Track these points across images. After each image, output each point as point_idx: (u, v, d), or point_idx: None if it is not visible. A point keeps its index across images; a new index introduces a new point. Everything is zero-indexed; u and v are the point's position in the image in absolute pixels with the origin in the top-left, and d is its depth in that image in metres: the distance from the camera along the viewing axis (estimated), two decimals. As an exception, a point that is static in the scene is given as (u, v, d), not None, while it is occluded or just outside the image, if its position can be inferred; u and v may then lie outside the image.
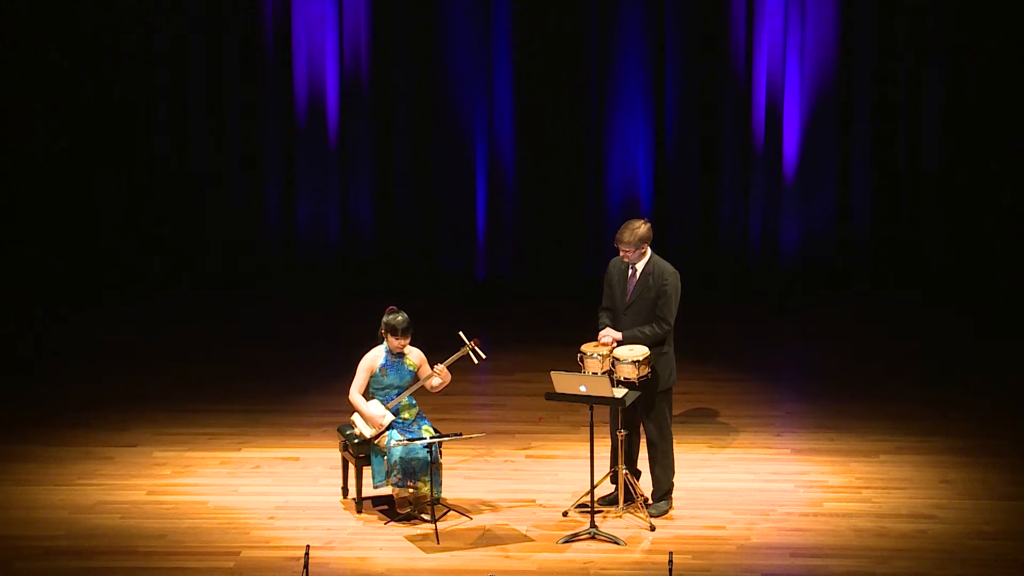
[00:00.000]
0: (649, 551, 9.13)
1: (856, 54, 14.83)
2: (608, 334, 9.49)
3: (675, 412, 10.07)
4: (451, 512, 9.62)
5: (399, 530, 9.43)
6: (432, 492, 9.45)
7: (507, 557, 9.09)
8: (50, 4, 14.86)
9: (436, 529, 9.33)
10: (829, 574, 8.87)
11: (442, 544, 9.22)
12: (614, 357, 9.37)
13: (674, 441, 9.78)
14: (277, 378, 12.62)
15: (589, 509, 9.34)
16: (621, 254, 9.53)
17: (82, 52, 14.94)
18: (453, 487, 9.96)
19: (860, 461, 10.57)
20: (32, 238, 15.12)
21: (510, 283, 15.33)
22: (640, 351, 9.39)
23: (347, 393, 9.65)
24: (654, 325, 9.48)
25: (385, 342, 9.62)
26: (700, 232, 15.23)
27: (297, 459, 10.68)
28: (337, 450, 10.08)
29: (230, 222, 15.34)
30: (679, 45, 14.92)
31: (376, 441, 9.54)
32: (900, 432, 11.16)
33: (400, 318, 9.56)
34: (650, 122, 15.07)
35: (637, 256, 9.50)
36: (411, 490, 9.50)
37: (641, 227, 9.49)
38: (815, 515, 9.66)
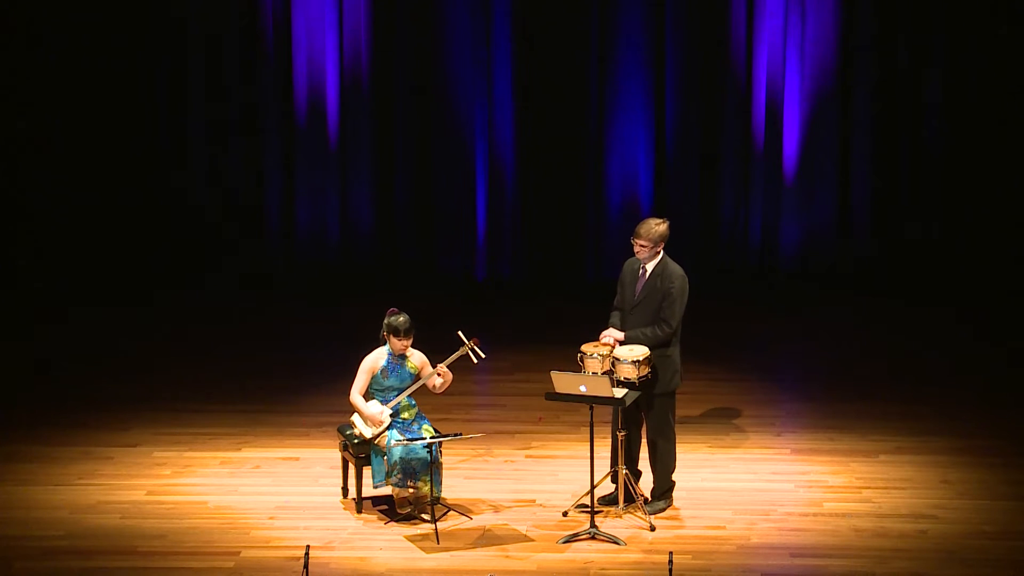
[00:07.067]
0: (649, 551, 9.12)
1: (856, 54, 14.83)
2: (609, 334, 9.49)
3: (676, 412, 10.06)
4: (451, 512, 9.62)
5: (399, 530, 9.43)
6: (432, 492, 9.45)
7: (507, 557, 9.08)
8: (51, 4, 14.86)
9: (436, 529, 9.32)
10: (829, 574, 8.86)
11: (442, 544, 9.21)
12: (614, 357, 9.37)
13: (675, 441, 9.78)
14: (277, 378, 12.62)
15: (589, 509, 9.34)
16: (636, 250, 9.47)
17: (81, 53, 14.93)
18: (453, 487, 9.95)
19: (860, 461, 10.57)
20: (32, 238, 15.11)
21: (510, 284, 15.33)
22: (640, 351, 9.38)
23: (347, 393, 9.64)
24: (656, 327, 9.45)
25: (387, 344, 9.62)
26: (700, 232, 15.23)
27: (297, 459, 10.67)
28: (337, 450, 10.08)
29: (230, 222, 15.33)
30: (679, 45, 14.93)
31: (376, 441, 9.54)
32: (900, 432, 11.15)
33: (402, 319, 9.55)
34: (650, 122, 15.08)
35: (651, 255, 9.45)
36: (411, 490, 9.50)
37: (660, 225, 9.43)
38: (815, 515, 9.66)
